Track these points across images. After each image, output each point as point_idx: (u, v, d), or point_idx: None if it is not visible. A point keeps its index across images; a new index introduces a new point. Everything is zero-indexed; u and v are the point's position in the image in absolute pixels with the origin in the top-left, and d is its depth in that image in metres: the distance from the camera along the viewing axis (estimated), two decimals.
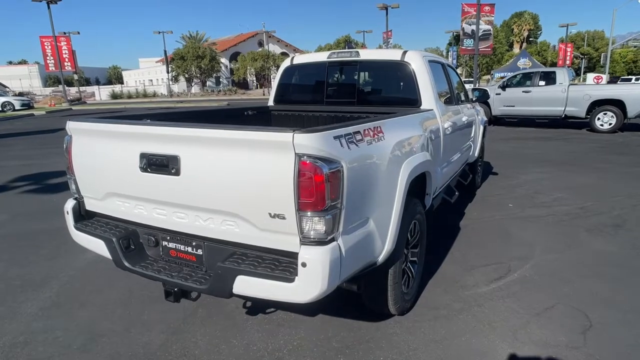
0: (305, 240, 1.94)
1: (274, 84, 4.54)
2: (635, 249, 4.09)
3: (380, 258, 2.42)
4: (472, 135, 5.44)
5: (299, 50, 74.30)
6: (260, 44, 66.39)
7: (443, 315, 3.00)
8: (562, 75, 13.39)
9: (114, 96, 52.35)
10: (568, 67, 28.67)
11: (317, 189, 1.86)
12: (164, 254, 2.48)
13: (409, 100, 3.75)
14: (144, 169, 2.24)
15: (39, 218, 5.33)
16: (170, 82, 50.58)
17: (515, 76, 15.12)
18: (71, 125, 2.57)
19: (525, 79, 14.43)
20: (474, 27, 21.04)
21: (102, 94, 56.94)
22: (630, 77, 43.56)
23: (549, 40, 73.70)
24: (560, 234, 4.52)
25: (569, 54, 41.29)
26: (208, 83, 60.69)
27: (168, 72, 47.88)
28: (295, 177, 1.86)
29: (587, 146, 10.53)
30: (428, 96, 3.71)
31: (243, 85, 63.86)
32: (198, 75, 52.07)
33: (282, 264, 2.05)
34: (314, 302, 1.98)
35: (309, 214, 1.89)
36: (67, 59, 37.57)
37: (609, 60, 41.82)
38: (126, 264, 2.42)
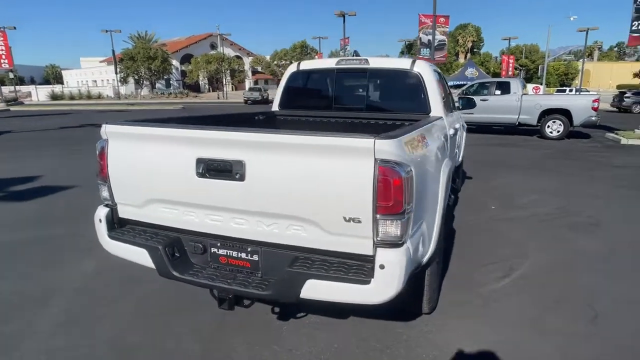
0: (380, 243, 2.01)
1: (279, 88, 4.54)
2: (617, 245, 4.50)
3: (425, 259, 2.52)
4: (459, 140, 5.72)
5: (253, 54, 73.68)
6: (213, 47, 65.18)
7: (468, 311, 3.16)
8: (516, 86, 14.34)
9: (54, 97, 49.31)
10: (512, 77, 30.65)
11: (396, 193, 1.93)
12: (212, 261, 2.43)
13: (419, 108, 3.91)
14: (201, 175, 2.20)
15: (13, 228, 4.95)
16: (119, 84, 48.32)
17: (472, 85, 15.98)
18: (109, 129, 2.46)
19: (482, 88, 15.29)
20: (430, 37, 22.02)
21: (39, 94, 53.39)
22: (564, 87, 47.19)
23: (490, 52, 78.10)
24: (547, 233, 4.87)
25: (511, 65, 44.06)
26: (158, 85, 58.70)
27: (116, 73, 45.73)
28: (375, 182, 1.91)
29: (542, 152, 11.32)
30: (437, 104, 3.89)
31: (195, 88, 62.37)
32: (149, 76, 50.18)
33: (352, 267, 2.09)
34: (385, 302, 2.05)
35: (386, 217, 1.96)
36: (3, 56, 34.94)
37: (545, 73, 45.19)
38: (174, 272, 2.35)
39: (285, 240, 2.19)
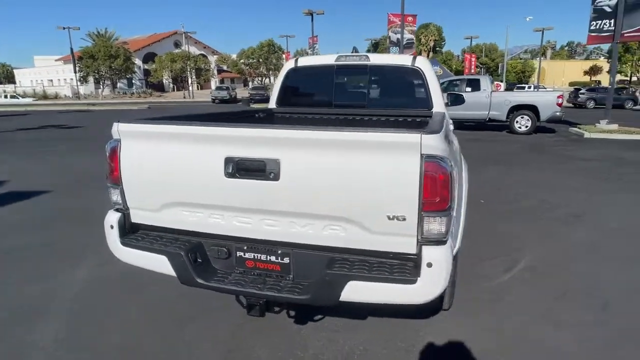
0: (425, 241, 1.96)
1: (276, 86, 4.42)
2: (607, 234, 4.68)
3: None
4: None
5: (218, 52, 72.39)
6: (177, 45, 63.52)
7: (481, 307, 3.17)
8: (486, 83, 14.77)
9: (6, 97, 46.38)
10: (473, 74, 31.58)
11: (442, 189, 1.88)
12: (237, 266, 2.31)
13: (422, 104, 3.91)
14: (230, 175, 2.07)
15: None
16: (78, 83, 46.19)
17: (442, 83, 16.27)
18: (122, 128, 2.28)
19: (452, 86, 15.63)
20: (399, 35, 22.37)
21: None
22: (523, 85, 49.10)
23: (452, 50, 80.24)
24: (539, 226, 5.00)
25: (473, 63, 45.42)
26: (119, 85, 56.65)
27: (75, 72, 43.70)
28: (421, 178, 1.86)
29: (514, 147, 11.69)
30: (438, 99, 3.90)
31: (159, 87, 60.60)
32: (110, 76, 48.21)
33: (394, 267, 2.03)
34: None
35: (431, 214, 1.91)
36: None
37: (505, 70, 46.92)
38: (199, 279, 2.21)
39: (321, 241, 2.11)
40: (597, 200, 6.11)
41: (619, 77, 42.45)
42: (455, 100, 5.84)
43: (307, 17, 33.25)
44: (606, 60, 43.12)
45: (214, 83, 69.90)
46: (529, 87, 42.04)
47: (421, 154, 1.86)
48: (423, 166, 1.86)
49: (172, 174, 2.23)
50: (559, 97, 13.86)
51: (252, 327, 2.89)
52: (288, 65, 4.37)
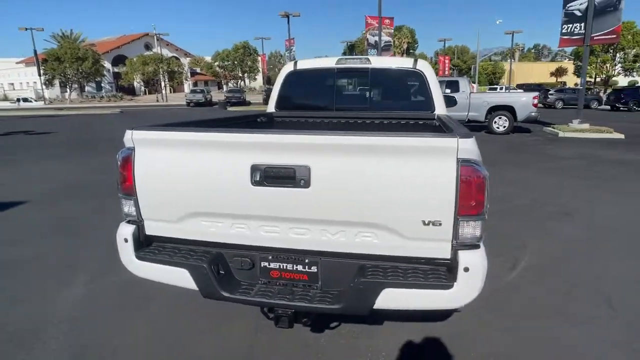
0: (460, 246, 1.94)
1: (275, 89, 4.35)
2: (599, 230, 4.82)
3: None
4: None
5: (191, 54, 71.33)
6: (148, 47, 62.18)
7: (497, 305, 3.19)
8: (465, 84, 15.06)
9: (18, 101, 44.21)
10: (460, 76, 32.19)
11: (477, 193, 1.87)
12: (262, 276, 2.23)
13: (424, 107, 3.93)
14: (257, 183, 2.00)
15: None
16: (43, 87, 44.48)
17: None
18: (137, 135, 2.17)
19: None
20: (376, 38, 22.56)
21: None
22: (495, 86, 50.44)
23: (425, 52, 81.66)
24: (533, 224, 5.10)
25: (447, 65, 46.33)
26: (87, 88, 54.91)
27: (40, 75, 42.05)
28: (457, 182, 1.85)
29: (495, 146, 11.94)
30: (439, 102, 3.93)
31: (129, 90, 59.13)
32: (79, 79, 46.55)
33: (427, 272, 2.00)
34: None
35: (466, 218, 1.90)
36: None
37: (477, 72, 48.09)
38: (223, 292, 2.13)
39: (352, 249, 2.06)
40: (583, 198, 6.29)
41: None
42: (448, 102, 5.92)
43: (282, 20, 33.19)
44: (572, 62, 44.73)
45: (187, 86, 68.82)
46: (501, 89, 43.20)
47: (457, 158, 1.84)
48: (460, 170, 1.84)
49: (192, 183, 2.13)
50: (534, 97, 14.28)
51: (268, 338, 2.81)
52: (286, 68, 4.30)
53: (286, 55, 36.08)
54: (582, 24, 14.26)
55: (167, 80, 50.45)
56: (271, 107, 4.34)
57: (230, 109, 34.07)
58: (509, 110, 14.40)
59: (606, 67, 35.78)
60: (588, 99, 31.02)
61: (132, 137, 2.18)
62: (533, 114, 14.32)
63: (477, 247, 1.96)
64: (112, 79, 59.73)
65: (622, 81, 46.11)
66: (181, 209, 2.19)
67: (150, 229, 2.32)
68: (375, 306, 1.99)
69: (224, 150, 2.06)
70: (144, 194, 2.23)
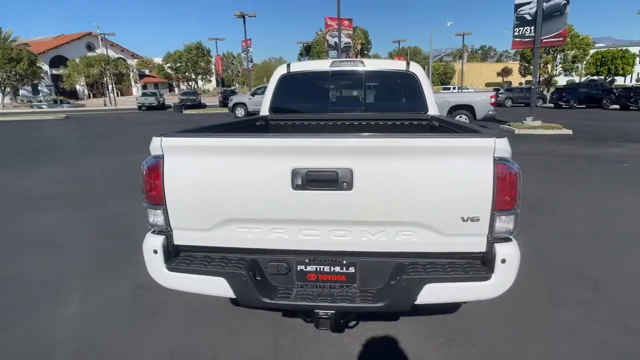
0: (495, 239, 2.05)
1: (268, 92, 4.32)
2: (573, 220, 5.17)
3: None
4: None
5: (138, 56, 68.62)
6: (90, 48, 59.06)
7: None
8: None
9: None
10: None
11: (511, 189, 1.99)
12: (298, 280, 2.24)
13: (418, 108, 4.06)
14: (299, 187, 2.01)
15: None
16: None
17: None
18: (166, 143, 2.11)
19: None
20: (336, 39, 22.81)
21: None
22: (448, 86, 52.44)
23: (379, 54, 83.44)
24: None
25: None
26: (22, 92, 50.95)
27: None
28: (495, 180, 1.95)
29: None
30: (432, 103, 4.07)
31: (72, 94, 55.82)
32: (12, 82, 42.97)
33: (464, 266, 2.10)
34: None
35: (502, 213, 2.01)
36: None
37: (431, 73, 49.84)
38: (264, 299, 2.11)
39: (391, 248, 2.12)
40: (554, 190, 6.72)
41: (529, 77, 46.86)
42: None
43: (235, 20, 32.66)
44: (518, 62, 47.44)
45: (135, 89, 66.07)
46: (453, 89, 44.99)
47: (494, 157, 1.95)
48: (496, 168, 1.95)
49: (227, 190, 2.10)
50: (492, 97, 15.03)
51: (289, 344, 2.79)
52: (280, 71, 4.29)
53: (243, 57, 35.61)
54: (532, 27, 15.21)
55: (114, 83, 48.01)
56: (265, 111, 4.31)
57: (185, 112, 33.17)
58: (469, 109, 15.06)
59: (548, 67, 38.20)
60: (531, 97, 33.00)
61: (162, 144, 2.11)
62: (491, 112, 15.06)
63: (510, 240, 2.08)
64: (50, 82, 56.06)
65: (562, 80, 49.50)
66: (215, 217, 2.15)
67: (180, 238, 2.25)
68: (417, 301, 2.06)
69: (263, 156, 2.05)
70: (175, 203, 2.17)
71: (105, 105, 45.46)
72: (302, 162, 2.01)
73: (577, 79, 57.30)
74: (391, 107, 4.22)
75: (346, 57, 27.00)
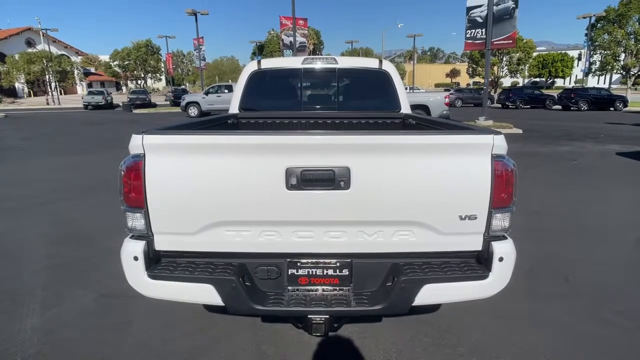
0: (492, 237, 2.04)
1: (238, 89, 4.15)
2: (537, 216, 5.38)
3: None
4: None
5: (83, 53, 65.19)
6: (30, 44, 55.37)
7: None
8: None
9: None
10: None
11: (507, 186, 1.99)
12: (289, 284, 2.13)
13: (391, 106, 4.05)
14: (294, 187, 1.90)
15: None
16: None
17: None
18: (148, 141, 1.93)
19: None
20: (291, 38, 22.65)
21: None
22: (405, 87, 53.58)
23: (331, 54, 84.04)
24: None
25: None
26: None
27: None
28: (492, 177, 1.94)
29: None
30: (405, 101, 4.08)
31: (10, 92, 52.03)
32: None
33: (461, 265, 2.07)
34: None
35: (499, 211, 2.00)
36: None
37: None
38: (255, 305, 1.99)
39: (387, 248, 2.06)
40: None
41: (477, 79, 48.98)
42: None
43: (187, 18, 31.70)
44: (467, 64, 49.42)
45: (80, 88, 62.59)
46: (406, 89, 46.01)
47: (492, 154, 1.94)
48: (494, 166, 1.94)
49: (216, 190, 1.96)
50: (446, 97, 15.46)
51: (274, 350, 2.68)
52: (250, 67, 4.13)
53: (195, 55, 34.57)
54: (483, 30, 15.83)
55: (57, 81, 45.07)
56: (234, 108, 4.14)
57: (135, 111, 31.81)
58: (424, 109, 15.40)
59: (495, 69, 40.09)
60: (482, 97, 34.48)
61: (143, 142, 1.93)
62: (445, 112, 15.47)
63: (505, 237, 2.08)
64: None
65: (507, 82, 52.11)
66: (202, 220, 2.00)
67: (161, 243, 2.08)
68: (415, 303, 2.01)
69: (254, 154, 1.92)
70: (158, 206, 1.99)
71: (48, 103, 42.69)
72: (297, 160, 1.90)
73: (521, 81, 60.60)
74: (364, 105, 4.18)
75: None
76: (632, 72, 31.60)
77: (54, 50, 51.14)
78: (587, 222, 5.22)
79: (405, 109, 4.06)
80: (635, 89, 39.24)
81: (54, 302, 3.26)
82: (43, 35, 43.93)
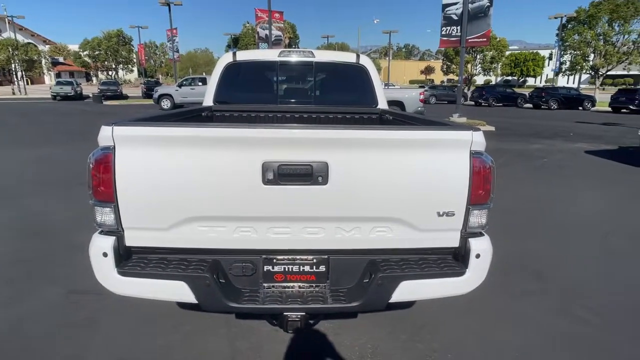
0: (469, 234, 2.04)
1: (212, 81, 4.04)
2: (508, 213, 5.48)
3: None
4: None
5: (51, 42, 62.76)
6: None
7: None
8: None
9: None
10: None
11: (485, 182, 1.99)
12: (264, 281, 2.08)
13: (367, 101, 4.03)
14: (270, 181, 1.86)
15: None
16: None
17: None
18: (118, 132, 1.84)
19: None
20: (267, 31, 22.38)
21: None
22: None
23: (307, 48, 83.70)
24: None
25: None
26: None
27: None
28: (470, 174, 1.94)
29: None
30: (381, 96, 4.07)
31: None
32: None
33: (438, 262, 2.08)
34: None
35: (476, 207, 2.01)
36: None
37: None
38: (230, 303, 1.94)
39: (365, 245, 2.04)
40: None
41: (451, 76, 49.73)
42: None
43: (160, 9, 30.93)
44: (442, 61, 50.11)
45: (48, 78, 60.32)
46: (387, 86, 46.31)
47: (470, 151, 1.94)
48: (472, 162, 1.94)
49: (189, 185, 1.89)
50: (421, 94, 15.63)
51: (248, 346, 2.63)
52: (225, 59, 4.03)
53: (168, 46, 33.68)
54: (459, 27, 16.03)
55: (24, 70, 43.17)
56: (209, 101, 4.03)
57: (106, 102, 30.87)
58: (399, 105, 15.52)
59: (468, 67, 40.77)
60: (456, 95, 35.05)
61: (113, 134, 1.84)
62: (420, 108, 15.63)
63: (482, 234, 2.09)
64: None
65: (480, 80, 53.14)
66: (175, 215, 1.93)
67: (132, 239, 1.99)
68: (392, 300, 2.00)
69: (230, 148, 1.86)
70: (128, 200, 1.91)
71: (13, 93, 40.84)
72: (274, 154, 1.85)
73: (493, 79, 61.93)
74: (341, 99, 4.14)
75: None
76: (600, 73, 32.67)
77: (21, 38, 49.04)
78: (556, 219, 5.36)
79: (382, 104, 4.05)
80: (603, 89, 40.68)
81: (19, 298, 3.11)
82: (9, 22, 41.97)
